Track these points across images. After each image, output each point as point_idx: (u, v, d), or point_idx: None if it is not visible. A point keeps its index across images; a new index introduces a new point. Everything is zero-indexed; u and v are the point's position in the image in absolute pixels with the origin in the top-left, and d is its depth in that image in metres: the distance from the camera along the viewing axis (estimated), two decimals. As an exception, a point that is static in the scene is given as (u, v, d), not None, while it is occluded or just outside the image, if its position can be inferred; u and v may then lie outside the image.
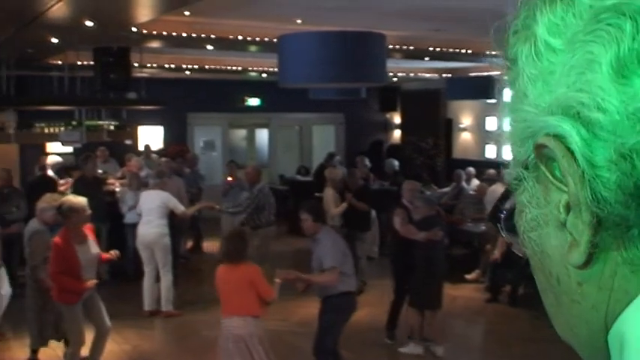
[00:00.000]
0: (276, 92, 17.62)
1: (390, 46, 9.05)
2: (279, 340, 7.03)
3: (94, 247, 6.63)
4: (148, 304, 9.10)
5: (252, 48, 10.35)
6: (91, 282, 6.50)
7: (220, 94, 17.54)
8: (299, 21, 9.05)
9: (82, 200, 6.54)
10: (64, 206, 6.45)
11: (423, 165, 18.09)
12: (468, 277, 10.55)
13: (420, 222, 7.56)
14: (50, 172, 12.07)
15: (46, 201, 7.14)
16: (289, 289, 6.48)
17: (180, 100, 15.94)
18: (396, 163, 13.78)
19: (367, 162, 13.26)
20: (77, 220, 6.41)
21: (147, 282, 9.15)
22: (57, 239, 6.35)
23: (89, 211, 6.52)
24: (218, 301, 9.40)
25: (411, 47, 10.89)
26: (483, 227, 10.91)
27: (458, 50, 11.34)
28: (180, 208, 9.33)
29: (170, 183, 11.03)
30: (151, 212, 9.18)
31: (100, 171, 12.20)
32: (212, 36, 9.46)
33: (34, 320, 7.12)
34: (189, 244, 13.08)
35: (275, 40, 9.46)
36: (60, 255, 6.27)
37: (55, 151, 15.18)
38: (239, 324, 5.75)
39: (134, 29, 8.76)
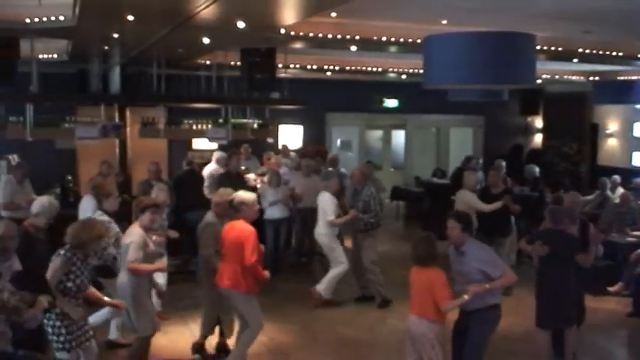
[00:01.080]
0: (413, 93, 17.68)
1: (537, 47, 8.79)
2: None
3: None
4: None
5: (395, 49, 10.36)
6: (266, 273, 6.92)
7: (359, 95, 17.65)
8: (444, 22, 8.97)
9: (252, 196, 6.97)
10: (235, 200, 6.85)
11: (566, 171, 17.48)
12: (611, 289, 10.10)
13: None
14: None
15: (220, 195, 7.45)
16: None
17: (320, 100, 16.16)
18: (537, 168, 13.36)
19: (504, 165, 12.92)
20: (248, 213, 6.79)
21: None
22: (250, 228, 6.72)
23: (258, 207, 6.91)
24: (354, 300, 9.60)
25: (560, 48, 10.54)
26: (628, 238, 10.44)
27: (608, 52, 10.86)
28: (329, 217, 9.45)
29: (309, 182, 11.25)
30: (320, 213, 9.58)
31: (242, 167, 12.57)
32: (356, 37, 9.54)
33: (210, 308, 7.46)
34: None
35: (419, 40, 9.52)
36: (256, 243, 6.67)
37: (201, 147, 15.83)
38: (415, 322, 5.86)
39: (282, 31, 8.97)
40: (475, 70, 6.43)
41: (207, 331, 7.57)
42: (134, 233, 6.51)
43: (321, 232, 9.58)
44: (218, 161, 12.19)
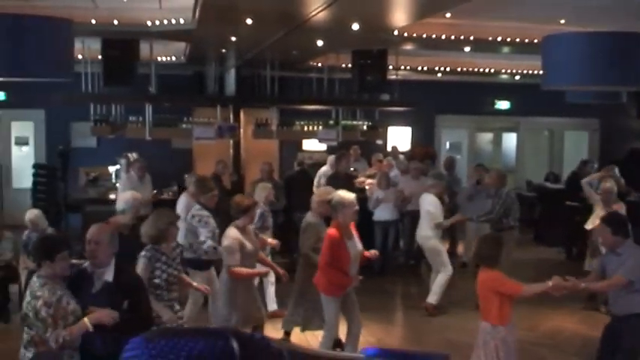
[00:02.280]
0: (526, 95, 17.36)
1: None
2: (522, 350, 6.83)
3: (359, 244, 6.78)
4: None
5: (510, 49, 10.19)
6: (357, 278, 6.67)
7: (469, 97, 17.38)
8: (562, 21, 8.74)
9: (351, 196, 6.71)
10: (334, 200, 6.67)
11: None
12: None
13: None
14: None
15: (319, 194, 7.50)
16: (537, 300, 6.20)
17: (430, 102, 16.05)
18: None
19: (617, 171, 12.45)
20: (345, 213, 6.54)
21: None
22: (332, 232, 6.54)
23: (357, 208, 6.67)
24: (473, 309, 9.43)
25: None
26: None
27: None
28: (437, 219, 9.30)
29: (418, 184, 11.19)
30: (424, 215, 9.32)
31: (351, 169, 12.65)
32: (470, 37, 9.44)
33: (296, 304, 7.53)
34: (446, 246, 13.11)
35: (536, 41, 9.32)
36: (333, 248, 6.49)
37: (310, 148, 16.04)
38: (488, 330, 5.68)
39: (395, 32, 8.99)
40: (597, 70, 6.29)
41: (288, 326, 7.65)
42: (230, 236, 6.52)
43: (426, 234, 9.27)
44: (330, 163, 12.28)
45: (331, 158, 12.41)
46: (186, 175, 10.99)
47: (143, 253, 5.64)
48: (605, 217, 6.25)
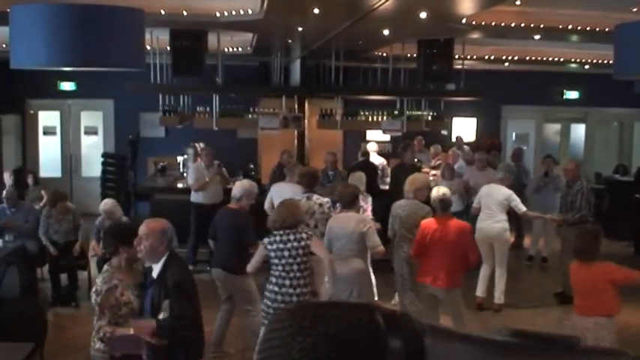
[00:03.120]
0: (595, 85, 16.97)
1: None
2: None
3: None
4: (480, 291, 9.26)
5: (580, 38, 9.96)
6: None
7: (536, 87, 17.08)
8: (635, 9, 8.50)
9: (444, 190, 7.17)
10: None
11: None
12: None
13: None
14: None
15: (419, 181, 7.92)
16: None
17: (495, 92, 15.84)
18: None
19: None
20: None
21: (483, 272, 9.31)
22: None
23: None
24: (541, 303, 9.31)
25: None
26: None
27: None
28: (522, 208, 9.21)
29: (483, 176, 11.06)
30: (491, 207, 9.24)
31: (415, 159, 12.59)
32: (541, 25, 9.27)
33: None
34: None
35: (607, 29, 9.09)
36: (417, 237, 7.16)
37: (374, 138, 16.01)
38: (589, 326, 5.66)
39: (463, 20, 8.89)
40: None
41: None
42: (367, 219, 7.15)
43: (504, 227, 9.15)
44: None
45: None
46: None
47: (265, 240, 6.19)
48: None
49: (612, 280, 5.59)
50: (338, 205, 7.67)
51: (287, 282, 6.00)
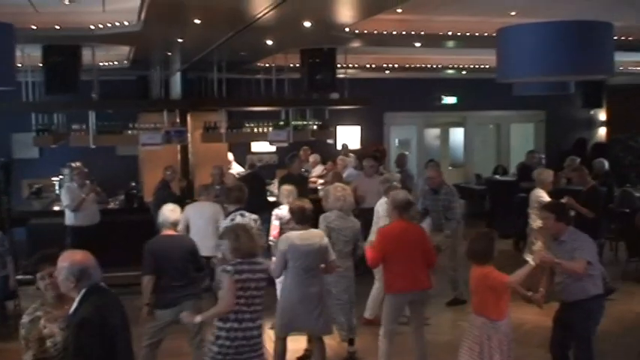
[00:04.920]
0: (472, 90, 17.50)
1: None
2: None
3: None
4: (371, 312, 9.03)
5: (461, 44, 10.15)
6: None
7: (416, 94, 17.46)
8: (513, 13, 8.72)
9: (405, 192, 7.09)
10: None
11: (631, 165, 16.96)
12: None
13: None
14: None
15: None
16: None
17: (378, 100, 16.03)
18: (606, 163, 12.97)
19: (577, 162, 12.63)
20: None
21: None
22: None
23: None
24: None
25: (630, 38, 10.18)
26: None
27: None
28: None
29: (372, 183, 11.07)
30: (380, 223, 9.11)
31: (302, 170, 12.51)
32: (421, 32, 9.37)
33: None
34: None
35: (487, 34, 9.30)
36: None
37: (259, 150, 15.85)
38: (479, 325, 5.70)
39: (347, 29, 8.85)
40: (555, 61, 6.24)
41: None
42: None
43: None
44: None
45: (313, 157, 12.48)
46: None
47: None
48: (548, 205, 6.48)
49: (488, 284, 5.61)
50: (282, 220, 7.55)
51: (247, 315, 5.49)
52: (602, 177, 12.67)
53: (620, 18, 7.94)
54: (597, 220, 9.66)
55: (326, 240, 6.65)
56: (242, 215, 7.47)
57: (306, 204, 6.77)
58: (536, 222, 9.77)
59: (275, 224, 8.26)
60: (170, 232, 6.85)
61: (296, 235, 6.55)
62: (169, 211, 6.90)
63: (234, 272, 5.42)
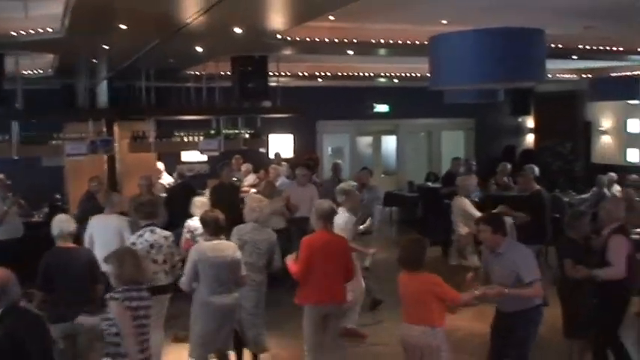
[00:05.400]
0: (403, 98, 17.63)
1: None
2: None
3: None
4: None
5: (393, 52, 10.13)
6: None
7: (349, 102, 17.49)
8: (444, 22, 8.74)
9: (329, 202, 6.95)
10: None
11: (560, 170, 17.36)
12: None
13: None
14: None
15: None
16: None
17: (310, 108, 15.97)
18: (537, 168, 13.20)
19: (509, 168, 12.83)
20: None
21: None
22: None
23: None
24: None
25: (559, 45, 10.37)
26: (633, 236, 10.21)
27: (608, 48, 10.76)
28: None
29: (305, 191, 10.96)
30: None
31: (234, 178, 12.32)
32: (354, 40, 9.32)
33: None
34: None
35: (418, 42, 9.31)
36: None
37: (190, 159, 15.56)
38: (416, 334, 5.61)
39: (278, 36, 8.72)
40: (486, 68, 6.26)
41: None
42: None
43: None
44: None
45: (246, 166, 12.51)
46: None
47: None
48: (483, 217, 6.40)
49: (436, 293, 5.56)
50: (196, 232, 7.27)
51: (137, 347, 5.08)
52: (532, 183, 12.89)
53: (550, 25, 8.04)
54: (543, 225, 9.75)
55: (239, 253, 6.50)
56: (152, 232, 7.02)
57: (219, 214, 6.59)
58: (461, 228, 9.92)
59: (186, 237, 8.08)
60: (67, 244, 6.57)
61: (208, 246, 6.39)
62: (64, 222, 6.65)
63: (123, 299, 5.01)
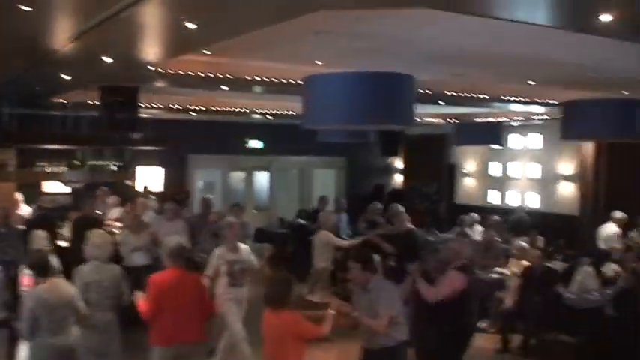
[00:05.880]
0: (277, 135, 17.71)
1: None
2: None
3: None
4: None
5: (267, 89, 10.13)
6: None
7: (222, 137, 17.37)
8: (319, 62, 8.83)
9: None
10: None
11: (426, 210, 17.85)
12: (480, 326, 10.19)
13: None
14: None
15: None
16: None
17: (183, 142, 15.71)
18: (400, 207, 13.51)
19: (379, 207, 13.08)
20: None
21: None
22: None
23: None
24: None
25: (428, 91, 10.72)
26: (492, 275, 10.60)
27: (473, 95, 11.22)
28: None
29: (173, 226, 10.67)
30: None
31: (98, 212, 11.88)
32: (229, 76, 9.24)
33: None
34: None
35: (293, 81, 9.35)
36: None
37: (53, 190, 14.87)
38: None
39: (151, 68, 8.52)
40: (358, 110, 6.32)
41: None
42: None
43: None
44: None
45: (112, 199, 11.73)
46: None
47: None
48: (355, 255, 6.41)
49: (295, 332, 5.51)
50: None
51: None
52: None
53: (420, 71, 8.28)
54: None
55: (75, 291, 6.21)
56: None
57: (46, 254, 6.36)
58: (319, 263, 10.03)
59: (26, 272, 7.66)
60: None
61: (42, 289, 6.05)
62: None
63: None
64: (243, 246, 8.34)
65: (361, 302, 6.09)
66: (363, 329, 6.11)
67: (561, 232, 13.77)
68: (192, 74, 9.14)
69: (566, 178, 15.99)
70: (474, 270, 8.14)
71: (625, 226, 12.51)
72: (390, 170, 20.89)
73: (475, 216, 13.54)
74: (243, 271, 8.22)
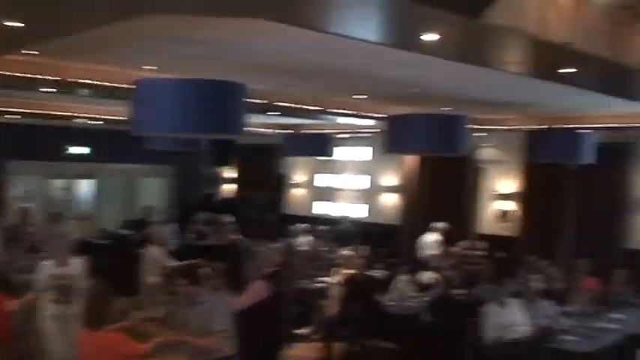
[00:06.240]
0: (103, 141, 17.05)
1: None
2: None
3: None
4: None
5: (93, 93, 9.75)
6: None
7: (43, 142, 16.50)
8: (152, 67, 8.63)
9: None
10: None
11: (255, 220, 17.96)
12: (299, 332, 10.32)
13: None
14: None
15: None
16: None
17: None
18: (228, 218, 13.54)
19: (205, 217, 12.96)
20: None
21: None
22: None
23: None
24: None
25: (259, 101, 10.78)
26: (317, 284, 10.81)
27: (303, 106, 11.44)
28: None
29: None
30: None
31: None
32: (54, 78, 8.81)
33: None
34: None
35: (125, 85, 9.05)
36: None
37: None
38: None
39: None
40: (187, 119, 6.23)
41: None
42: None
43: None
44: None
45: None
46: None
47: None
48: (180, 270, 6.54)
49: (123, 353, 5.00)
50: None
51: None
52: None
53: (251, 81, 8.33)
54: (239, 274, 9.94)
55: None
56: None
57: None
58: (149, 278, 9.84)
59: None
60: None
61: None
62: None
63: None
64: (75, 260, 7.88)
65: (189, 317, 6.00)
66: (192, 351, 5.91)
67: (384, 242, 14.31)
68: (10, 75, 8.63)
69: (390, 190, 16.69)
70: (285, 278, 8.23)
71: (447, 235, 13.18)
72: (222, 179, 20.83)
73: (304, 226, 13.79)
74: (70, 287, 7.66)
